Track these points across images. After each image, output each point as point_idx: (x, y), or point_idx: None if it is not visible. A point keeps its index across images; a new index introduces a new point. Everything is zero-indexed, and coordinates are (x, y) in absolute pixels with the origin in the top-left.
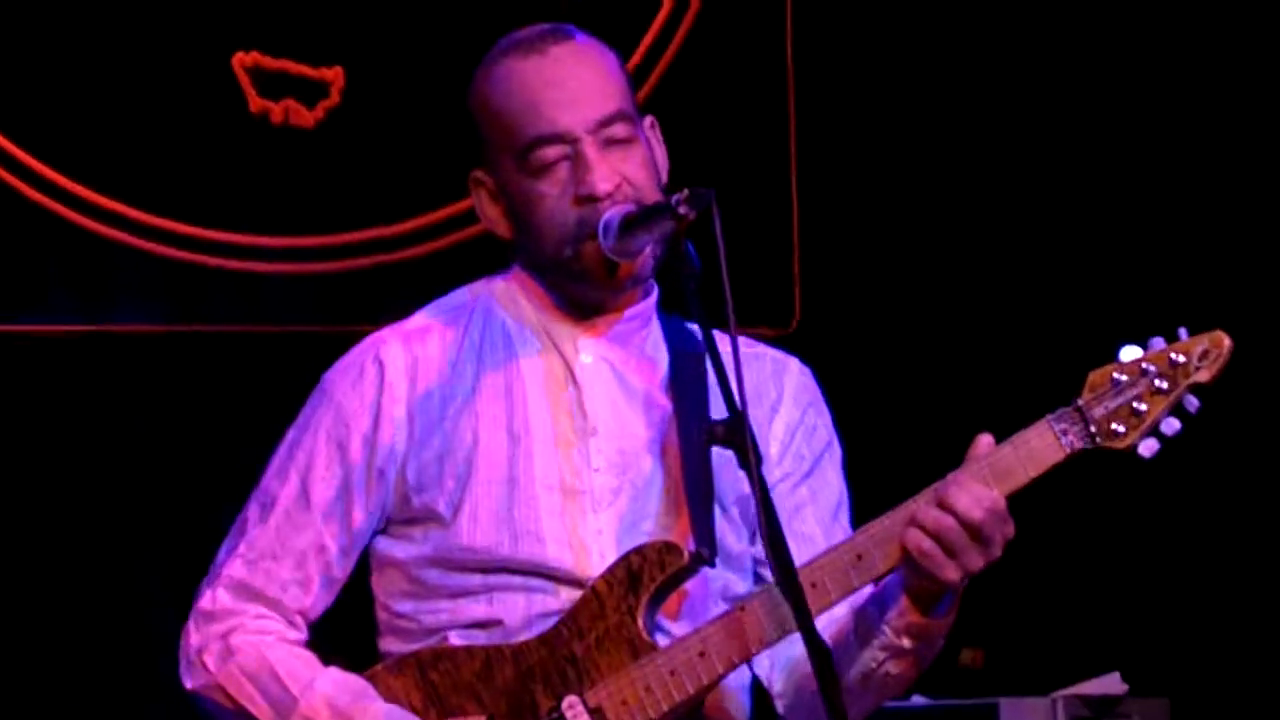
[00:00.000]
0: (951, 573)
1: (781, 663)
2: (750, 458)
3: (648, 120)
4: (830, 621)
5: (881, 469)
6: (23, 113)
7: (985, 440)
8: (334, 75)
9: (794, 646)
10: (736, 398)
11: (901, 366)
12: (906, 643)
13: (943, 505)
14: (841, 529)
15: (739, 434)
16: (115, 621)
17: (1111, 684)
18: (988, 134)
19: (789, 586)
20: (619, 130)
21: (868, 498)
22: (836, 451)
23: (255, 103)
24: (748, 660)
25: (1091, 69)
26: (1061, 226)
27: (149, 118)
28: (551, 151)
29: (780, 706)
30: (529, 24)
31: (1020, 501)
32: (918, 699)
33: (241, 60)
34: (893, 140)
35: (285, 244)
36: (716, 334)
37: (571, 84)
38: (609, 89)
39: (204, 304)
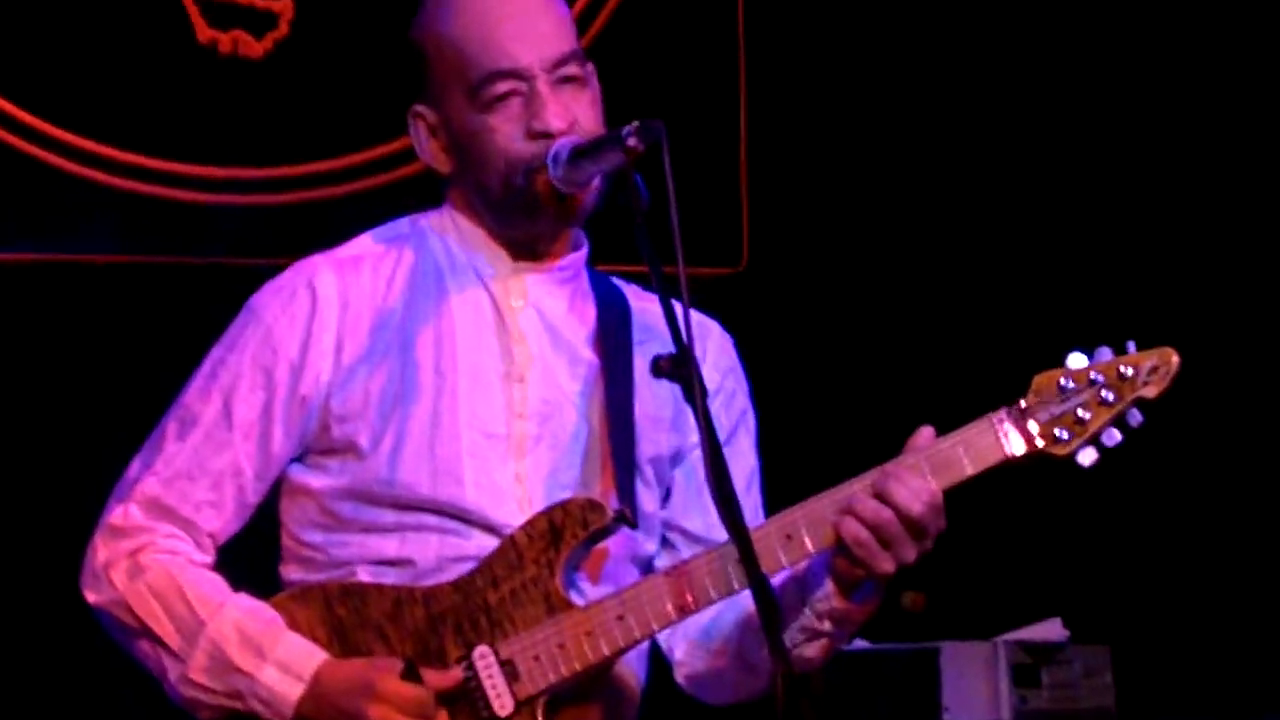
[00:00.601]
0: (885, 564)
1: (683, 631)
2: (696, 390)
3: (590, 65)
4: (743, 600)
5: (828, 412)
6: None
7: (926, 432)
8: (282, 7)
9: (700, 615)
10: (683, 331)
11: (850, 308)
12: (827, 625)
13: (881, 497)
14: (752, 501)
15: (684, 367)
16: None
17: (1053, 630)
18: (938, 70)
19: (736, 535)
20: (572, 69)
21: (808, 443)
22: (751, 422)
23: (203, 33)
24: (667, 627)
25: (1053, 38)
26: (1004, 169)
27: (96, 46)
28: (505, 86)
29: (680, 675)
30: None
31: None
32: (859, 643)
33: None
34: (844, 78)
35: (232, 175)
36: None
37: (531, 19)
38: (565, 29)
39: (150, 233)
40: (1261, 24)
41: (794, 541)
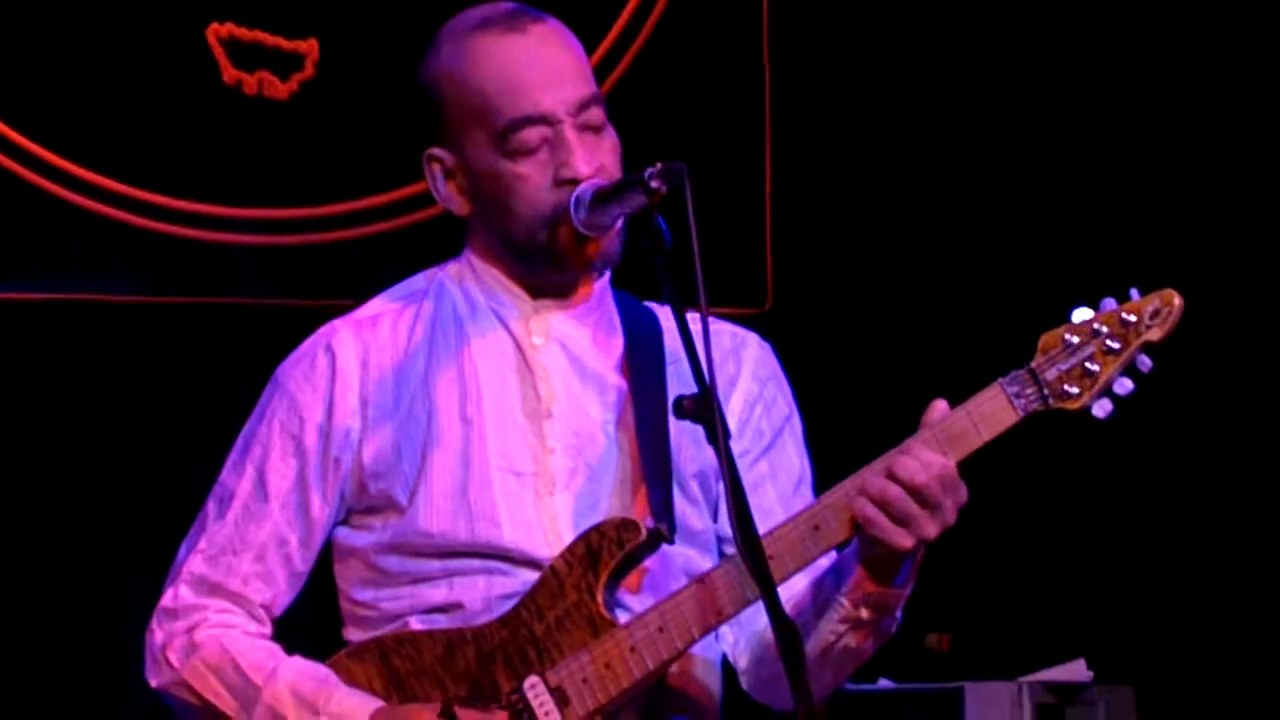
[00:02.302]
0: (903, 539)
1: (746, 638)
2: (719, 431)
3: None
4: (789, 595)
5: (851, 447)
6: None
7: (940, 405)
8: (308, 48)
9: (758, 621)
10: (706, 373)
11: (873, 345)
12: (865, 614)
13: (889, 473)
14: (803, 502)
15: (707, 408)
16: (85, 589)
17: (1077, 671)
18: (954, 111)
19: (754, 561)
20: (595, 115)
21: (837, 477)
22: (797, 425)
23: (229, 74)
24: (708, 633)
25: (1048, 45)
26: (1024, 200)
27: (123, 87)
28: (533, 133)
29: (745, 683)
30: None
31: (988, 486)
32: (884, 682)
33: (216, 31)
34: (867, 118)
35: (257, 216)
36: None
37: (554, 65)
38: (584, 72)
39: (175, 275)
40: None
41: (821, 531)
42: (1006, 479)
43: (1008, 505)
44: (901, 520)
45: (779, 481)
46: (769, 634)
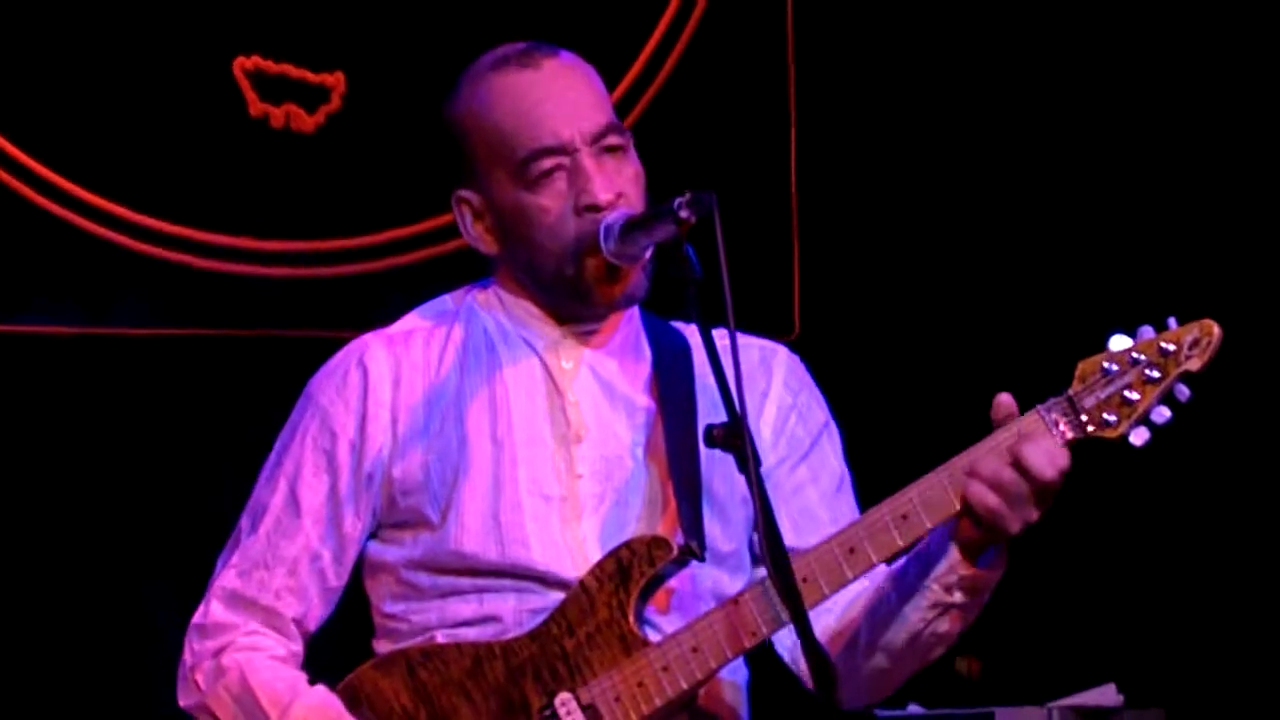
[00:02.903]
0: (1011, 523)
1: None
2: (750, 463)
3: (628, 135)
4: (860, 589)
5: (880, 472)
6: (23, 114)
7: (1005, 399)
8: (335, 80)
9: (819, 619)
10: (736, 402)
11: (902, 374)
12: (959, 597)
13: (1012, 457)
14: (846, 504)
15: (738, 437)
16: (109, 623)
17: (1107, 695)
18: (982, 138)
19: (785, 587)
20: (613, 140)
21: (865, 500)
22: (834, 432)
23: (256, 107)
24: (740, 654)
25: (1080, 70)
26: (1052, 227)
27: (150, 120)
28: (550, 162)
29: (809, 684)
30: (530, 30)
31: None
32: (914, 708)
33: (242, 64)
34: (892, 147)
35: (285, 248)
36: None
37: (568, 96)
38: (600, 101)
39: (202, 308)
40: None
41: (857, 554)
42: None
43: (1037, 529)
44: (1009, 500)
45: (820, 484)
46: (834, 638)
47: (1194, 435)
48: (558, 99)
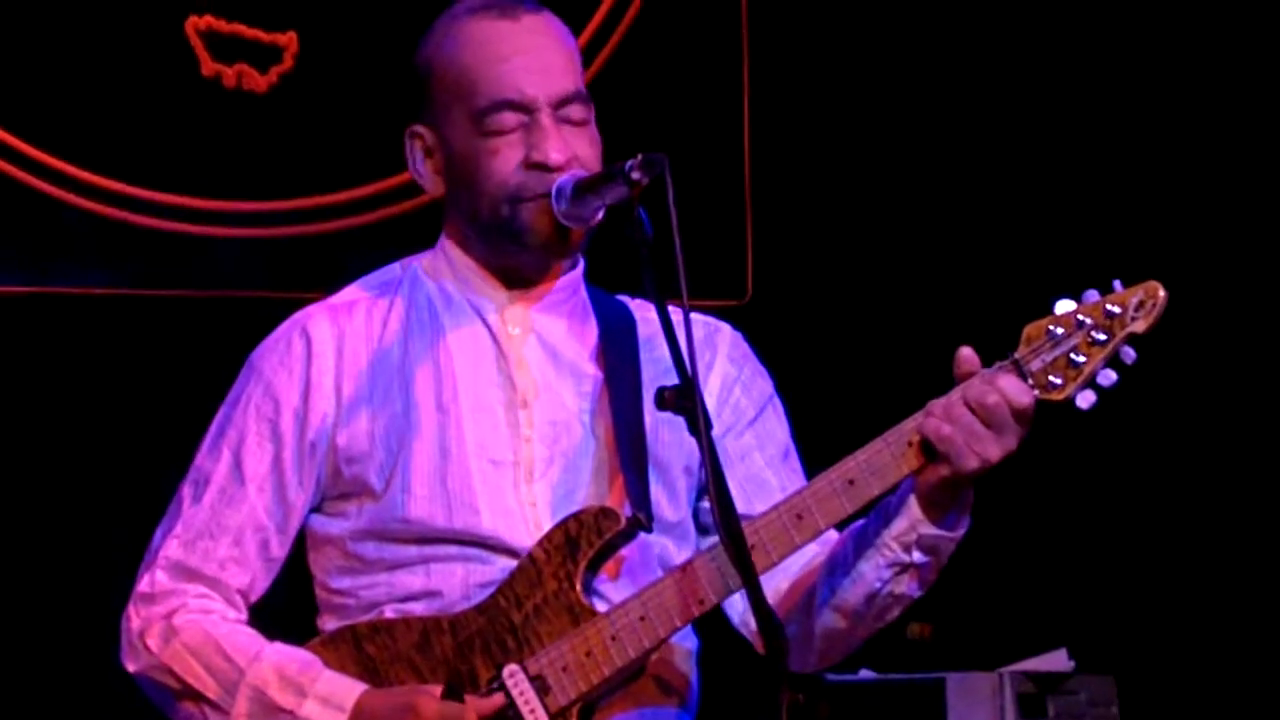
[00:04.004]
0: (969, 460)
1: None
2: (700, 423)
3: (591, 106)
4: (822, 543)
5: (830, 438)
6: None
7: (966, 353)
8: (287, 40)
9: (773, 585)
10: (688, 363)
11: (854, 337)
12: (917, 556)
13: (962, 395)
14: (793, 471)
15: (688, 399)
16: (66, 584)
17: (1058, 660)
18: (934, 103)
19: (737, 549)
20: (575, 111)
21: (815, 466)
22: (779, 406)
23: (208, 66)
24: (689, 622)
25: (1026, 32)
26: (1004, 191)
27: (101, 79)
28: (510, 117)
29: (760, 646)
30: None
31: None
32: (865, 673)
33: (195, 24)
34: (847, 110)
35: (236, 208)
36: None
37: (542, 55)
38: (573, 68)
39: (154, 267)
40: None
41: (805, 520)
42: (988, 470)
43: (989, 496)
44: (963, 433)
45: (766, 451)
46: (784, 599)
47: (1145, 399)
48: (529, 56)
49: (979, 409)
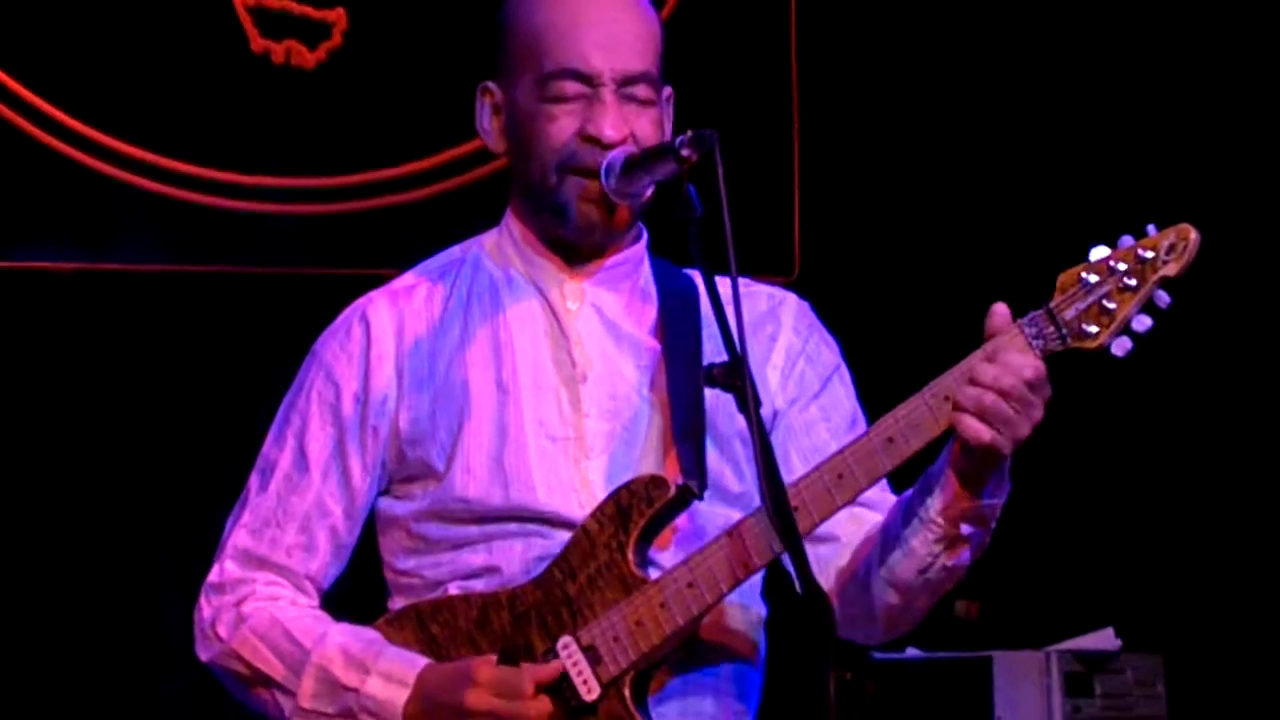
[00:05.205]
0: (1000, 442)
1: (824, 577)
2: (749, 402)
3: (666, 90)
4: (865, 528)
5: (878, 412)
6: (25, 50)
7: (1000, 309)
8: (336, 17)
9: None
10: (736, 341)
11: (901, 312)
12: (964, 529)
13: (976, 378)
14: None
15: (738, 377)
16: (118, 557)
17: (1105, 639)
18: (976, 77)
19: (780, 515)
20: (641, 90)
21: None
22: (846, 374)
23: (257, 43)
24: (736, 586)
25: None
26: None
27: (151, 56)
28: (572, 86)
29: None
30: None
31: (1017, 454)
32: (912, 651)
33: (244, 1)
34: (894, 89)
35: (285, 184)
36: (716, 278)
37: (614, 30)
38: (646, 49)
39: (204, 243)
40: None
41: (895, 444)
42: (1033, 446)
43: (1036, 473)
44: (996, 423)
45: (832, 422)
46: (844, 573)
47: (1189, 375)
48: (602, 29)
49: (999, 393)
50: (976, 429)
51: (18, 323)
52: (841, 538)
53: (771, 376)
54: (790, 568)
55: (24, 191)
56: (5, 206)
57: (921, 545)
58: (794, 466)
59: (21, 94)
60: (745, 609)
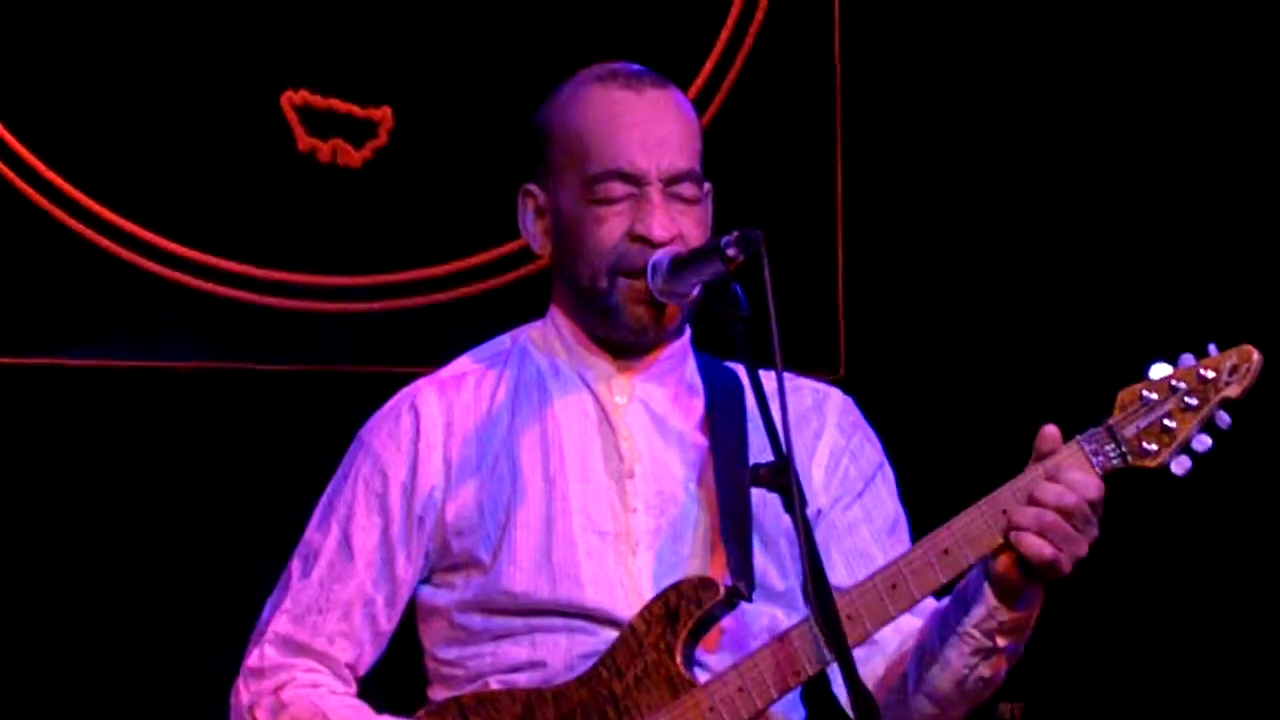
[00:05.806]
0: (1062, 562)
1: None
2: (795, 503)
3: (707, 186)
4: (903, 634)
5: (925, 511)
6: (75, 150)
7: (1050, 431)
8: (382, 115)
9: (872, 660)
10: (783, 441)
11: (948, 412)
12: (1001, 642)
13: (1037, 499)
14: (900, 544)
15: (784, 477)
16: (164, 646)
17: None
18: (1026, 179)
19: (830, 628)
20: (686, 189)
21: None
22: (889, 474)
23: (303, 141)
24: (786, 693)
25: (1129, 98)
26: (1099, 260)
27: (199, 155)
28: (619, 187)
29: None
30: (578, 66)
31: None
32: None
33: (290, 98)
34: (937, 186)
35: (332, 283)
36: (761, 374)
37: (659, 130)
38: (689, 146)
39: (252, 342)
40: None
41: (951, 556)
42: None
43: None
44: (1058, 541)
45: (874, 524)
46: (883, 681)
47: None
48: (647, 129)
49: (1061, 512)
50: (1039, 547)
51: (69, 419)
52: (878, 641)
53: (816, 473)
54: (833, 675)
55: (74, 290)
56: (55, 305)
57: (958, 658)
58: (835, 565)
59: (71, 193)
60: (785, 714)
